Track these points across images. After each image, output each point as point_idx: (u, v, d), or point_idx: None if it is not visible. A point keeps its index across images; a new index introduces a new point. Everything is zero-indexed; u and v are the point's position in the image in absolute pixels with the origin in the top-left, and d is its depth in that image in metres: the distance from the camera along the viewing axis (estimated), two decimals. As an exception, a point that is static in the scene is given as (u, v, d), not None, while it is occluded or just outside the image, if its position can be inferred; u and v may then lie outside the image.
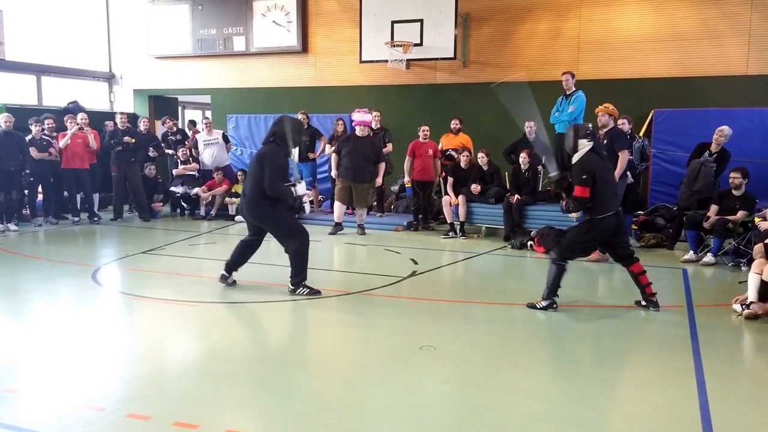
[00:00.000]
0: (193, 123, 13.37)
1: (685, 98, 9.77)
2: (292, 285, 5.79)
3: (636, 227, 8.63)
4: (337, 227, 9.28)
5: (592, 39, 10.42)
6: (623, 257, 5.40)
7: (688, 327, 4.91)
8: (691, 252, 7.43)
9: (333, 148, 9.65)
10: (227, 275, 6.08)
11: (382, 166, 9.46)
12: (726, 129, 7.91)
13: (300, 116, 10.57)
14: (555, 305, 5.32)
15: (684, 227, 7.72)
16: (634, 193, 8.46)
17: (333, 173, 9.51)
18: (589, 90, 8.85)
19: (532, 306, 5.35)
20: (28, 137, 9.82)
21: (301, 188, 5.76)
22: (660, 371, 4.04)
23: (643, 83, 10.07)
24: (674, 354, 4.32)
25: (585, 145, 5.24)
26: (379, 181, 9.49)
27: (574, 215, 8.32)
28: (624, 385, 3.90)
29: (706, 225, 7.30)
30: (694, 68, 9.86)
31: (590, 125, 5.46)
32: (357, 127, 9.28)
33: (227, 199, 10.83)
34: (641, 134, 9.42)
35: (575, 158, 5.30)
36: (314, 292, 5.76)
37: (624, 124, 8.20)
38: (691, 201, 7.95)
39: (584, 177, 5.11)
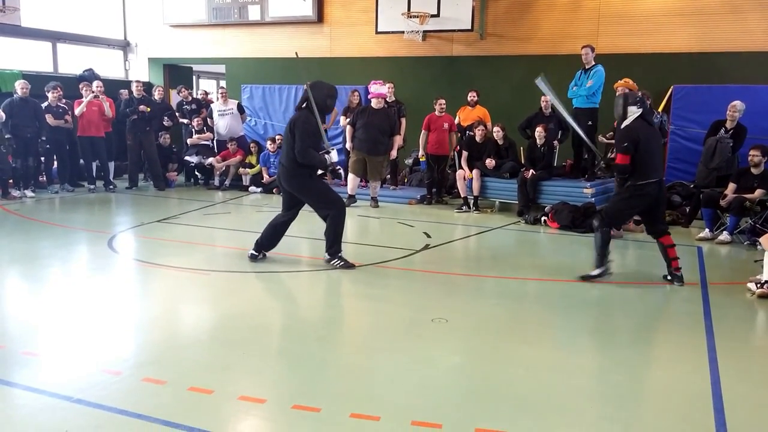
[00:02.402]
0: (205, 93, 13.34)
1: (706, 74, 9.58)
2: (328, 254, 5.76)
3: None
4: (351, 199, 9.28)
5: (613, 12, 10.21)
6: (656, 229, 5.44)
7: (701, 304, 4.88)
8: (707, 230, 7.36)
9: (348, 120, 9.60)
10: (257, 254, 5.98)
11: (397, 138, 9.41)
12: (738, 104, 7.76)
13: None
14: (609, 272, 5.42)
15: (701, 205, 7.64)
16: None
17: (348, 145, 9.48)
18: (609, 64, 8.70)
19: (587, 277, 5.40)
20: (44, 104, 9.87)
21: (334, 155, 5.71)
22: (672, 348, 4.04)
23: (663, 58, 9.88)
24: (687, 331, 4.31)
25: (634, 112, 5.24)
26: (393, 154, 9.46)
27: (588, 191, 8.33)
28: (635, 361, 3.90)
29: (722, 203, 7.21)
30: (715, 43, 9.65)
31: (641, 92, 5.44)
32: (373, 100, 9.21)
33: (241, 170, 10.85)
34: (660, 110, 9.27)
35: (624, 125, 5.31)
36: (349, 266, 5.71)
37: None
38: (710, 179, 7.85)
39: (626, 145, 5.14)
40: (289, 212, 5.89)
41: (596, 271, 5.40)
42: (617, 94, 7.41)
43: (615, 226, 5.41)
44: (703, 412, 3.13)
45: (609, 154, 6.41)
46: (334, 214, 5.70)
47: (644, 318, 4.64)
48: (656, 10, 9.94)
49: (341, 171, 6.37)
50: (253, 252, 5.99)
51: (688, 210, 8.23)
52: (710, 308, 4.77)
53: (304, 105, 5.64)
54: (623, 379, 3.61)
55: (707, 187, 7.78)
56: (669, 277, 5.46)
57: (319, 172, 5.89)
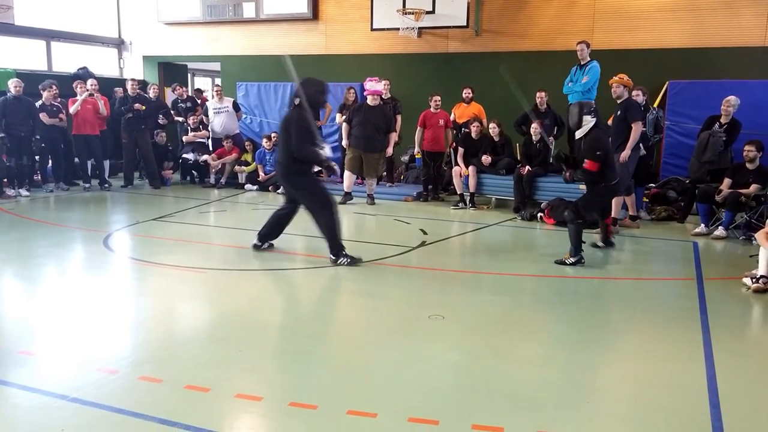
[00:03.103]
0: (199, 91, 13.30)
1: (701, 69, 9.60)
2: (333, 256, 5.76)
3: (647, 200, 8.57)
4: (347, 197, 9.27)
5: (608, 8, 10.21)
6: (603, 214, 6.45)
7: (697, 299, 4.90)
8: (703, 225, 7.38)
9: (344, 117, 9.58)
10: (260, 244, 6.13)
11: (393, 136, 9.41)
12: (733, 99, 7.79)
13: None
14: (582, 260, 5.80)
15: (696, 200, 7.67)
16: (647, 165, 8.37)
17: (344, 142, 9.46)
18: (604, 60, 8.71)
19: (561, 262, 5.80)
20: (38, 103, 9.82)
21: (328, 150, 5.75)
22: (668, 343, 4.05)
23: (658, 54, 9.89)
24: (682, 326, 4.33)
25: (589, 122, 5.84)
26: (389, 151, 9.45)
27: (583, 187, 8.33)
28: (632, 355, 3.91)
29: (718, 198, 7.23)
30: (710, 39, 9.66)
31: (593, 103, 5.94)
32: (368, 97, 9.20)
33: (237, 168, 10.83)
34: (655, 105, 9.29)
35: (579, 134, 5.96)
36: (355, 261, 5.72)
37: (638, 96, 8.08)
38: (701, 173, 7.89)
39: (598, 153, 5.73)
40: (291, 205, 6.02)
41: (572, 259, 5.78)
42: (612, 89, 7.44)
43: (588, 217, 6.02)
44: (699, 406, 3.14)
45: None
46: (326, 213, 5.73)
47: (640, 313, 4.65)
48: (651, 6, 9.95)
49: (336, 167, 6.37)
50: (256, 243, 6.12)
51: (683, 205, 8.26)
52: (706, 303, 4.79)
53: (297, 102, 5.67)
54: (620, 374, 3.62)
55: (701, 182, 7.81)
56: (600, 244, 6.41)
57: (316, 168, 5.91)
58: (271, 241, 6.23)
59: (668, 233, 7.49)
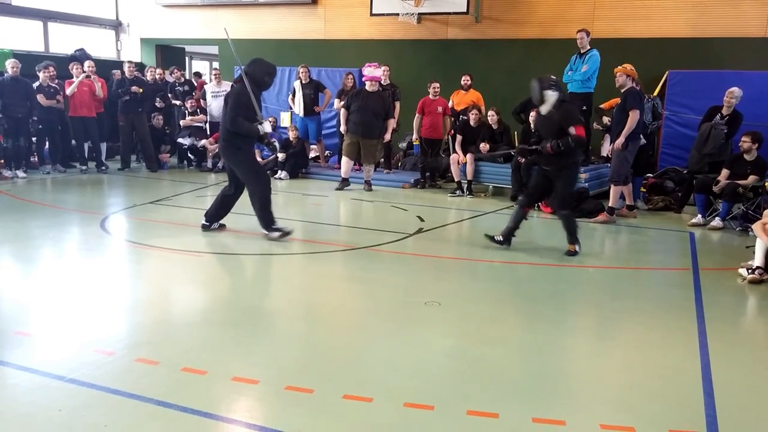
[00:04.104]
0: (198, 75, 13.22)
1: (701, 60, 9.57)
2: (264, 230, 6.02)
3: (645, 190, 8.58)
4: (344, 183, 9.26)
5: (609, -4, 10.16)
6: (538, 197, 6.21)
7: (692, 290, 4.92)
8: (700, 216, 7.40)
9: (342, 102, 9.54)
10: (208, 224, 6.32)
11: (392, 122, 9.37)
12: (736, 90, 7.77)
13: (300, 70, 10.44)
14: (579, 246, 5.79)
15: (693, 190, 7.68)
16: (647, 154, 8.38)
17: (342, 128, 9.43)
18: (604, 49, 8.67)
19: (572, 253, 5.75)
20: (36, 84, 9.75)
21: (267, 126, 5.97)
22: (663, 332, 4.07)
23: (658, 43, 9.86)
24: (678, 316, 4.35)
25: (551, 96, 5.56)
26: (387, 137, 9.42)
27: (581, 176, 8.34)
28: (626, 344, 3.93)
29: (715, 189, 7.24)
30: (711, 29, 9.63)
31: (553, 77, 5.70)
32: (367, 83, 9.15)
33: (234, 152, 10.77)
34: (655, 95, 9.27)
35: (544, 109, 5.66)
36: (286, 234, 5.99)
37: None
38: (702, 164, 7.89)
39: (581, 119, 5.58)
40: (233, 186, 6.18)
41: (577, 248, 5.76)
42: (616, 78, 7.41)
43: (573, 206, 5.92)
44: (694, 396, 3.16)
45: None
46: (258, 189, 5.95)
47: (636, 302, 4.67)
48: (652, -5, 9.91)
49: (276, 143, 6.47)
50: (204, 223, 6.33)
51: (680, 195, 8.27)
52: (701, 293, 4.81)
53: (240, 79, 5.95)
54: (614, 362, 3.64)
55: (700, 173, 7.82)
56: (500, 239, 5.89)
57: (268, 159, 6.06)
58: (222, 222, 6.40)
59: (665, 223, 7.50)
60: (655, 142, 9.46)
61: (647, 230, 7.19)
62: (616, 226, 7.25)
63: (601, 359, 3.69)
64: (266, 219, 6.00)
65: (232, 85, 6.49)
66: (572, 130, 5.49)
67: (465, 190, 9.06)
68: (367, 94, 9.08)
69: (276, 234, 5.96)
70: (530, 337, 3.94)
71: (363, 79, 9.35)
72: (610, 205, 7.41)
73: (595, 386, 3.29)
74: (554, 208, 6.26)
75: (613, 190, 7.38)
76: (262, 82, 5.95)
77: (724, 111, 7.82)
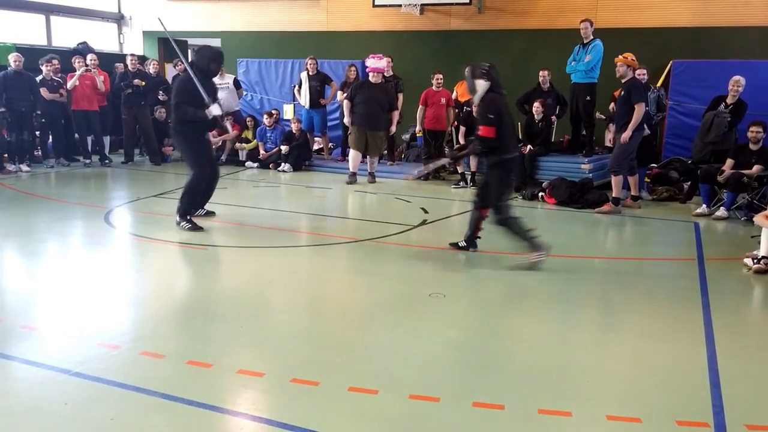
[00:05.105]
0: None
1: (706, 49, 9.51)
2: (178, 217, 6.09)
3: (649, 180, 8.55)
4: (353, 177, 9.19)
5: (613, -15, 10.09)
6: (483, 200, 5.31)
7: (698, 280, 4.90)
8: (704, 205, 7.36)
9: (345, 94, 9.50)
10: (193, 211, 6.38)
11: (396, 114, 9.34)
12: (742, 79, 7.72)
13: (308, 61, 10.40)
14: (548, 248, 5.11)
15: (698, 180, 7.64)
16: (650, 144, 8.34)
17: (346, 120, 9.39)
18: (608, 39, 8.62)
19: (530, 265, 5.06)
20: (39, 77, 9.74)
21: (215, 109, 5.96)
22: (669, 322, 4.06)
23: (662, 33, 9.79)
24: (683, 306, 4.34)
25: (482, 86, 5.09)
26: (392, 129, 9.39)
27: (585, 167, 8.32)
28: (632, 335, 3.92)
29: (720, 179, 7.20)
30: (716, 18, 9.55)
31: (486, 65, 5.16)
32: (371, 74, 9.10)
33: (237, 145, 10.78)
34: (659, 85, 9.22)
35: (476, 98, 5.19)
36: (196, 228, 6.04)
37: (643, 74, 7.99)
38: (705, 153, 7.86)
39: (491, 116, 5.00)
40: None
41: (535, 255, 5.06)
42: (616, 68, 7.37)
43: (503, 204, 5.19)
44: (700, 386, 3.15)
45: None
46: (195, 174, 6.06)
47: (641, 293, 4.65)
48: (656, -16, 9.83)
49: (228, 124, 6.44)
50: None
51: (686, 186, 8.23)
52: (707, 284, 4.79)
53: (186, 68, 6.08)
54: (620, 353, 3.64)
55: (703, 162, 7.78)
56: (464, 244, 5.50)
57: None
58: (206, 209, 6.51)
59: (670, 214, 7.47)
60: (659, 133, 9.41)
61: (652, 221, 7.17)
62: (621, 216, 7.23)
63: (606, 350, 3.68)
64: (185, 207, 6.11)
65: (177, 74, 6.69)
66: (479, 129, 5.06)
67: (468, 182, 9.03)
68: (371, 85, 9.04)
69: (186, 225, 6.04)
70: (536, 328, 3.93)
71: (367, 70, 9.30)
72: (613, 195, 7.39)
73: (601, 377, 3.29)
74: (488, 214, 5.67)
75: (615, 180, 7.35)
76: (208, 69, 6.03)
77: (729, 100, 7.78)
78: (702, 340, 3.71)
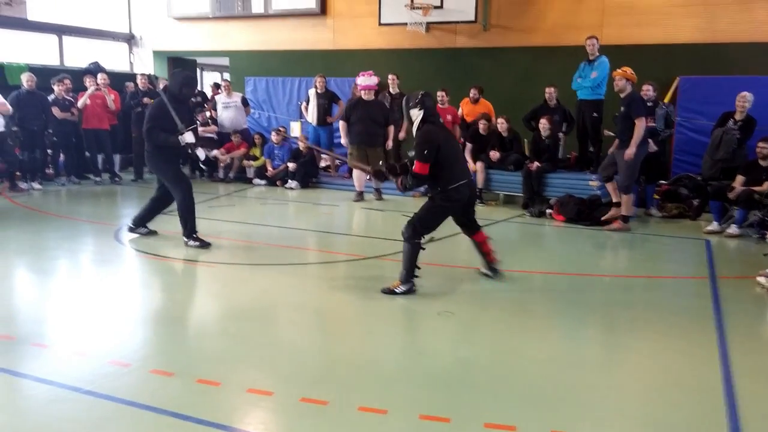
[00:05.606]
0: (217, 86, 13.29)
1: (713, 65, 9.50)
2: (185, 238, 6.18)
3: (658, 197, 8.52)
4: (360, 196, 9.20)
5: (618, 2, 10.12)
6: (471, 228, 5.12)
7: (710, 299, 4.86)
8: (715, 223, 7.32)
9: (338, 115, 9.50)
10: (134, 227, 6.54)
11: (392, 128, 9.37)
12: (748, 95, 7.70)
13: (318, 79, 10.49)
14: (414, 289, 4.83)
15: (708, 197, 7.60)
16: (658, 161, 8.32)
17: (342, 141, 9.40)
18: (614, 55, 8.63)
19: (389, 291, 4.79)
20: (51, 97, 9.86)
21: (188, 136, 6.00)
22: (682, 342, 4.02)
23: (669, 49, 9.80)
24: (696, 325, 4.29)
25: (417, 115, 4.80)
26: (389, 144, 9.38)
27: (594, 184, 8.30)
28: (643, 354, 3.89)
29: (731, 195, 7.17)
30: (722, 34, 9.55)
31: (420, 93, 4.89)
32: (363, 92, 9.13)
33: (245, 162, 10.84)
34: (666, 101, 9.22)
35: (413, 129, 4.87)
36: (205, 245, 6.11)
37: (649, 90, 7.99)
38: (715, 170, 7.82)
39: (425, 152, 4.66)
40: (163, 190, 6.40)
41: (402, 288, 4.78)
42: (615, 82, 7.37)
43: (427, 233, 4.94)
44: (715, 407, 3.11)
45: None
46: (180, 198, 6.16)
47: (652, 312, 4.62)
48: (661, 1, 9.86)
49: (201, 153, 6.32)
50: (131, 225, 6.57)
51: (695, 203, 8.19)
52: (720, 302, 4.75)
53: (161, 93, 6.23)
54: (632, 372, 3.61)
55: (713, 179, 7.74)
56: (486, 271, 5.20)
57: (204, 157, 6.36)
58: (149, 226, 6.60)
59: (680, 231, 7.43)
60: (668, 149, 9.39)
61: (662, 238, 7.13)
62: (631, 234, 7.20)
63: (618, 370, 3.65)
64: (187, 226, 6.16)
65: (151, 100, 6.79)
66: (414, 164, 4.74)
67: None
68: (365, 103, 9.08)
69: (193, 243, 6.11)
70: (546, 347, 3.91)
71: (359, 88, 9.32)
72: (623, 213, 7.36)
73: (613, 397, 3.26)
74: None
75: (625, 198, 7.33)
76: (180, 94, 6.10)
77: (737, 116, 7.76)
78: (716, 360, 3.67)
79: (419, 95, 4.87)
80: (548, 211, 8.13)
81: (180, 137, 5.96)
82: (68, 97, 10.06)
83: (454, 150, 4.92)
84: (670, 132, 8.95)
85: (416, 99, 4.84)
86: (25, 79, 9.43)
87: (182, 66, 14.00)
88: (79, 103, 10.06)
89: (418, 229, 4.85)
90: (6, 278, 5.32)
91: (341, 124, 9.34)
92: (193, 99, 11.59)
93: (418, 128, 4.81)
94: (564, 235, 7.33)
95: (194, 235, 6.16)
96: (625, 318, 4.54)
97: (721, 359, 3.68)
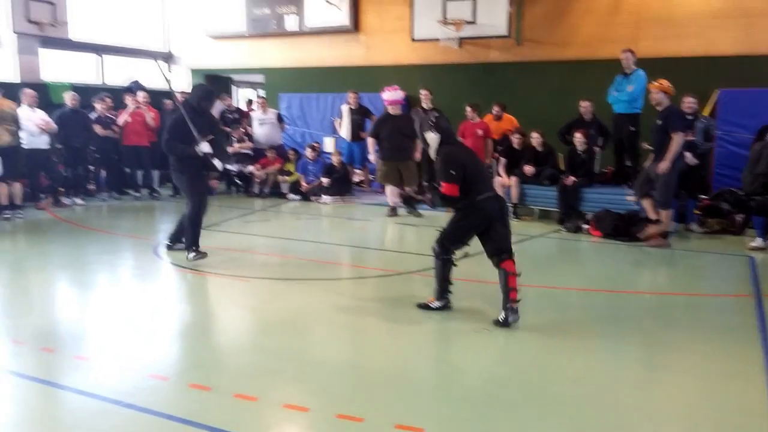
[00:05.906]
0: (249, 102, 13.55)
1: (753, 77, 9.28)
2: (185, 248, 6.29)
3: (699, 212, 8.32)
4: (393, 211, 9.19)
5: (653, 15, 10.00)
6: (499, 249, 4.66)
7: (756, 317, 4.71)
8: (759, 239, 7.11)
9: (367, 131, 9.51)
10: (171, 245, 6.63)
11: (418, 141, 9.33)
12: None
13: (350, 95, 10.58)
14: (450, 305, 4.81)
15: (752, 213, 7.40)
16: (698, 175, 8.13)
17: (371, 157, 9.41)
18: (650, 69, 8.51)
19: (424, 306, 4.82)
20: (92, 115, 10.17)
21: (205, 146, 6.12)
22: (724, 362, 3.90)
23: (707, 61, 9.62)
24: (740, 345, 4.16)
25: (433, 139, 4.74)
26: (417, 156, 9.32)
27: (631, 198, 8.16)
28: (685, 374, 3.78)
29: (773, 210, 6.97)
30: (762, 46, 9.35)
31: (434, 116, 4.94)
32: (389, 107, 9.14)
33: (279, 177, 10.97)
34: (707, 114, 9.03)
35: (432, 153, 4.82)
36: (202, 255, 6.21)
37: (692, 104, 7.84)
38: (756, 185, 7.60)
39: (452, 173, 4.59)
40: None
41: (438, 303, 4.79)
42: (651, 96, 7.24)
43: (457, 249, 4.80)
44: (761, 428, 3.01)
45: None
46: (190, 208, 6.26)
47: (694, 331, 4.49)
48: (698, 12, 9.70)
49: (218, 164, 6.35)
50: (168, 243, 6.67)
51: (738, 218, 7.97)
52: (765, 322, 4.60)
53: (180, 106, 6.31)
54: (673, 393, 3.51)
55: (755, 194, 7.53)
56: (502, 316, 4.50)
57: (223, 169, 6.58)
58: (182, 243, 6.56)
59: (723, 247, 7.23)
60: (708, 164, 9.19)
61: (704, 254, 6.95)
62: (671, 250, 7.04)
63: (658, 390, 3.55)
64: (189, 238, 6.27)
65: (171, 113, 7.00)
66: (442, 186, 4.65)
67: (510, 214, 8.95)
68: (393, 118, 9.06)
69: (192, 255, 6.19)
70: (585, 365, 3.83)
71: (385, 104, 9.31)
72: (663, 228, 7.21)
73: (655, 419, 3.17)
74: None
75: (665, 214, 7.18)
76: (199, 107, 6.25)
77: (777, 129, 7.56)
78: (762, 382, 3.55)
79: (433, 119, 4.86)
80: (585, 226, 8.01)
81: (196, 147, 6.11)
82: (109, 115, 10.36)
83: (478, 167, 4.87)
84: (710, 146, 8.76)
85: (431, 122, 4.81)
86: (69, 98, 9.75)
87: (218, 82, 14.29)
88: (120, 121, 10.35)
89: (446, 244, 4.79)
90: (48, 291, 5.47)
91: (369, 141, 9.35)
92: (229, 115, 11.86)
93: (437, 152, 4.77)
94: (601, 250, 7.21)
95: (193, 248, 6.24)
96: (665, 337, 4.42)
97: (768, 380, 3.56)
